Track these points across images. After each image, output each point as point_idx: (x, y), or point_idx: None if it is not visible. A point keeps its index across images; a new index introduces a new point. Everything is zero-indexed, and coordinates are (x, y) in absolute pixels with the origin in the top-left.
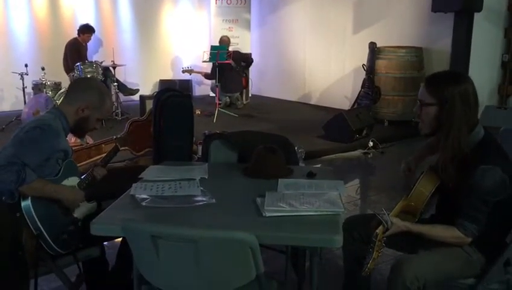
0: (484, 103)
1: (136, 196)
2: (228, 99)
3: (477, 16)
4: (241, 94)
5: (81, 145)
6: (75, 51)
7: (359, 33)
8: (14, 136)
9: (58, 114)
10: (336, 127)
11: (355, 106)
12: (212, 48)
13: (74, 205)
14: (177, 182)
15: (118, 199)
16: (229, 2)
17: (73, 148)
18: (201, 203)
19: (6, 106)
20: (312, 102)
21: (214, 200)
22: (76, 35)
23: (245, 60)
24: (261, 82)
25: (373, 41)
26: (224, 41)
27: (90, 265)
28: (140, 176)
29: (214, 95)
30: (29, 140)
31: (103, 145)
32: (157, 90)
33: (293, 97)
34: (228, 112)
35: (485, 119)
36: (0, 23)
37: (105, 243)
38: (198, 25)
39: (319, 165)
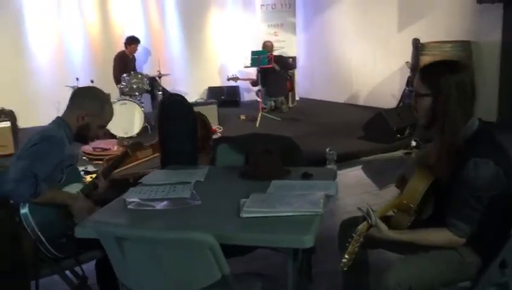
0: None
1: (127, 199)
2: (273, 104)
3: None
4: (286, 98)
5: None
6: (122, 62)
7: (404, 30)
8: (21, 149)
9: (61, 123)
10: (376, 127)
11: (400, 105)
12: (252, 53)
13: (80, 213)
14: (172, 185)
15: (110, 203)
16: (273, 6)
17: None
18: (186, 205)
19: None
20: (360, 103)
21: (199, 202)
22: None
23: (285, 63)
24: (308, 85)
25: (418, 37)
26: (267, 46)
27: (100, 266)
28: (140, 181)
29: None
30: (38, 153)
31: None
32: (205, 97)
33: (340, 98)
34: (271, 116)
35: None
36: (56, 43)
37: None
38: (244, 31)
39: (334, 167)
